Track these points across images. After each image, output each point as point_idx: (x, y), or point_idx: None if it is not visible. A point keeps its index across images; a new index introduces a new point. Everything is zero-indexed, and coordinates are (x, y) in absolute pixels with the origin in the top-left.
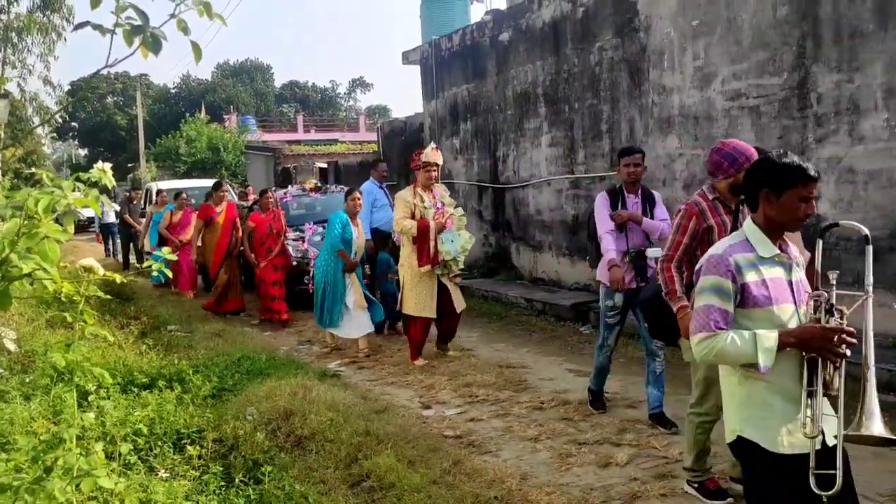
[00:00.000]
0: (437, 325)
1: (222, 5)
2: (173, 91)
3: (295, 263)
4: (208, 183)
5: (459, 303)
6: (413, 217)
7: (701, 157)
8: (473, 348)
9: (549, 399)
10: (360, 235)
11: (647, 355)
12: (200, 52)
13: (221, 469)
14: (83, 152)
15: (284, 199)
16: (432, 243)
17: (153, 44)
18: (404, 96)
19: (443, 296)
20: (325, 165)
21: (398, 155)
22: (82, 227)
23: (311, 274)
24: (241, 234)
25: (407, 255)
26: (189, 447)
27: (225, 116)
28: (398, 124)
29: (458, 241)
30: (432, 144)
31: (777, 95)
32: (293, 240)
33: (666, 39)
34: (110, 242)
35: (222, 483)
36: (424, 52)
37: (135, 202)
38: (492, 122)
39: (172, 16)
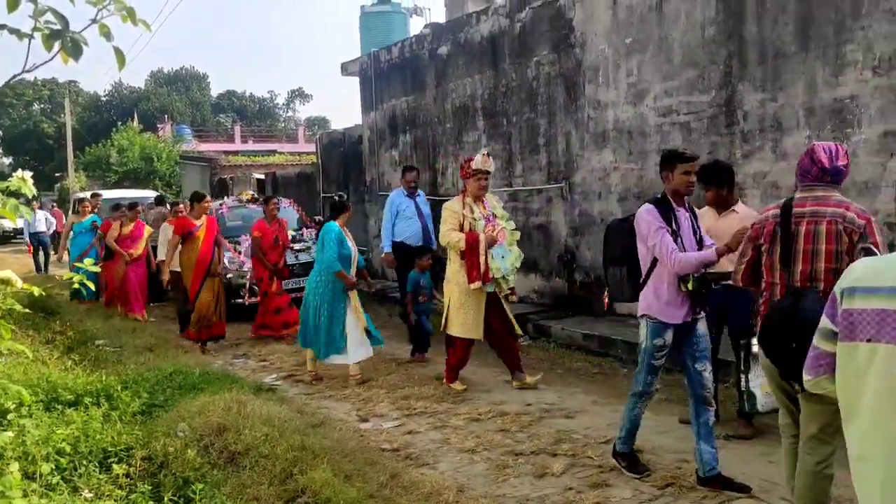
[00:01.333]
0: (498, 354)
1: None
2: (104, 99)
3: (230, 276)
4: (141, 194)
5: (514, 323)
6: (461, 229)
7: (635, 171)
8: (412, 361)
9: (486, 411)
10: (354, 245)
11: (695, 403)
12: (124, 58)
13: (150, 488)
14: (7, 161)
15: (220, 211)
16: (482, 258)
17: (73, 49)
18: (344, 108)
19: (491, 317)
20: (262, 176)
21: (336, 166)
22: (7, 237)
23: (248, 286)
24: (222, 251)
25: (455, 270)
26: (116, 466)
27: (159, 125)
28: (337, 136)
29: (509, 258)
30: (483, 151)
31: (706, 112)
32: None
33: (601, 56)
34: (40, 254)
35: (151, 502)
36: (363, 64)
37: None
38: (431, 135)
39: (94, 21)
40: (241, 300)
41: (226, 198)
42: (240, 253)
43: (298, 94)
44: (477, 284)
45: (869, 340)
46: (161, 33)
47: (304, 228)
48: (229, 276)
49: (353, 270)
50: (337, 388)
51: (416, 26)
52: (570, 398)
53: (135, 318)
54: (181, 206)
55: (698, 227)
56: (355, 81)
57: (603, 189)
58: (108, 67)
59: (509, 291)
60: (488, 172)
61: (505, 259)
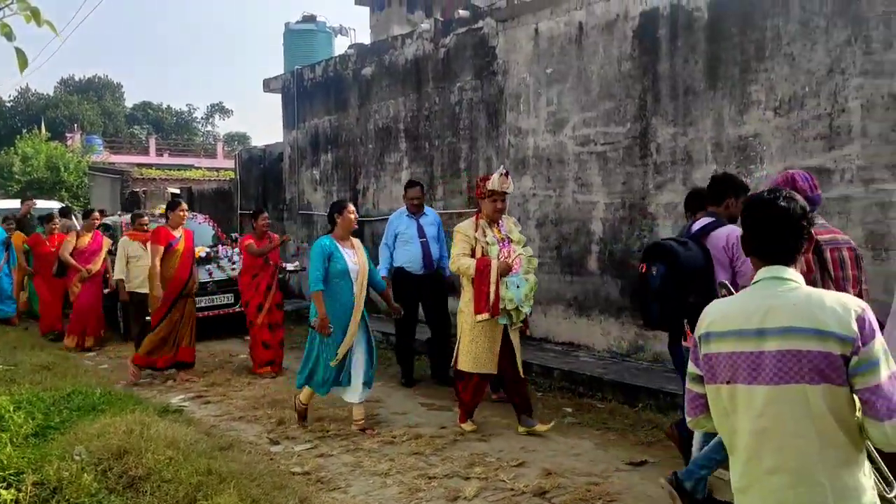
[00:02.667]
0: (506, 394)
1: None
2: (9, 105)
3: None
4: (46, 205)
5: (521, 361)
6: (474, 255)
7: (553, 199)
8: None
9: (401, 433)
10: (360, 260)
11: None
12: (26, 60)
13: None
14: None
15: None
16: (492, 287)
17: None
18: (266, 124)
19: (505, 353)
20: (177, 191)
21: (255, 183)
22: None
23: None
24: (195, 269)
25: (467, 300)
26: (4, 491)
27: (68, 135)
28: (257, 152)
29: (524, 288)
30: (501, 170)
31: (622, 143)
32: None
33: (522, 84)
34: None
35: None
36: (286, 81)
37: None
38: (353, 155)
39: None
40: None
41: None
42: None
43: (218, 109)
44: (483, 316)
45: (728, 382)
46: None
47: (220, 245)
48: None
49: (359, 289)
50: (248, 410)
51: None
52: (485, 421)
53: (77, 348)
54: (144, 218)
55: None
56: (278, 98)
57: (522, 214)
58: (14, 72)
59: (521, 324)
60: (505, 193)
61: (520, 289)
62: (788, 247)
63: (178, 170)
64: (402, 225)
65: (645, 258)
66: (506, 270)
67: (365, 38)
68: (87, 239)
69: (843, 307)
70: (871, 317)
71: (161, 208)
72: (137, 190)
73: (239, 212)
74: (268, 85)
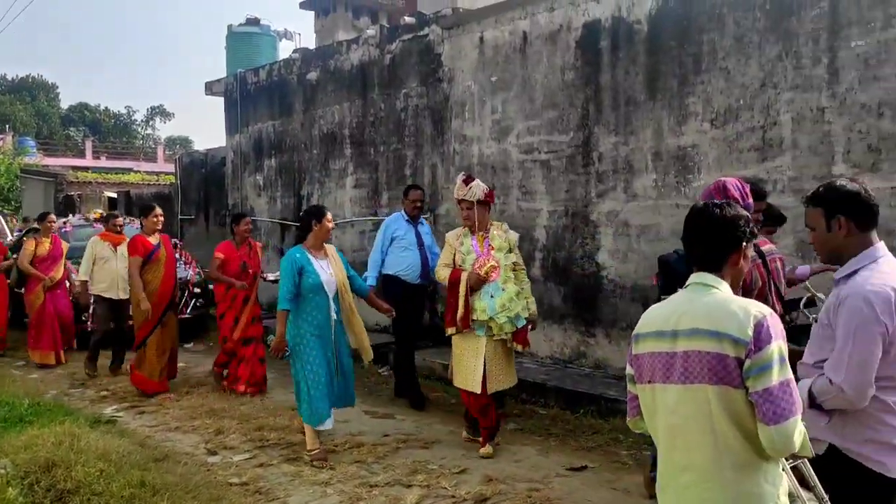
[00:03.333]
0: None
1: None
2: None
3: (74, 299)
4: None
5: (497, 381)
6: (455, 264)
7: (497, 206)
8: (269, 390)
9: (342, 442)
10: (337, 270)
11: None
12: None
13: None
14: None
15: (64, 230)
16: (461, 300)
17: None
18: (208, 128)
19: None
20: (114, 195)
21: (196, 188)
22: None
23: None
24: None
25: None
26: None
27: None
28: (198, 157)
29: (500, 297)
30: (461, 176)
31: (565, 152)
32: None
33: (467, 92)
34: None
35: None
36: (229, 85)
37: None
38: (297, 160)
39: None
40: (83, 324)
41: (71, 216)
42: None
43: (159, 112)
44: (451, 330)
45: (649, 381)
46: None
47: None
48: (73, 298)
49: (343, 305)
50: (185, 420)
51: (284, 50)
52: (428, 428)
53: (43, 363)
54: (119, 218)
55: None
56: (221, 101)
57: None
58: None
59: (506, 336)
60: (470, 201)
61: (494, 298)
62: (715, 254)
63: (116, 173)
64: (400, 230)
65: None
66: (477, 281)
67: (310, 42)
68: (46, 245)
69: (745, 312)
70: (772, 323)
71: (96, 213)
72: (72, 194)
73: (179, 217)
74: (210, 88)
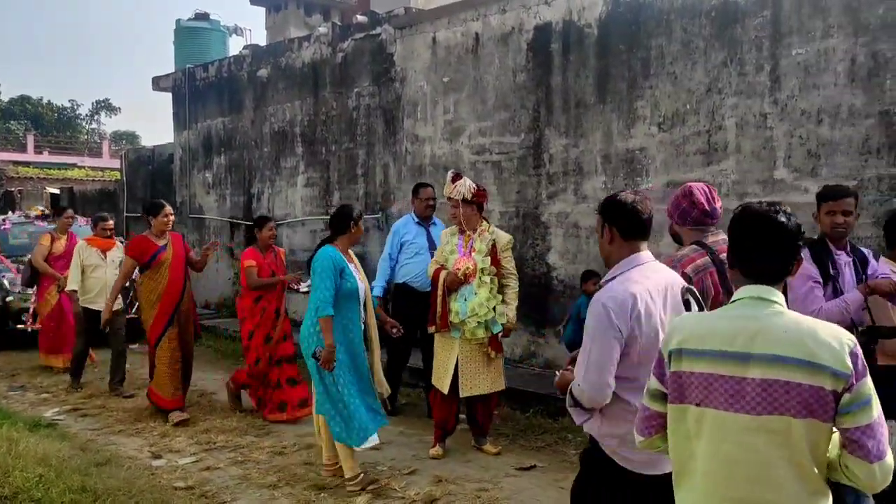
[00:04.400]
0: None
1: None
2: None
3: (9, 299)
4: None
5: (473, 384)
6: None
7: (448, 206)
8: (215, 392)
9: (291, 444)
10: (363, 277)
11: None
12: None
13: None
14: None
15: (2, 227)
16: (438, 299)
17: None
18: (156, 124)
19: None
20: (57, 191)
21: (143, 185)
22: None
23: (32, 311)
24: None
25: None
26: None
27: None
28: (145, 153)
29: (473, 300)
30: (451, 173)
31: (516, 153)
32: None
33: (420, 92)
34: None
35: None
36: (177, 80)
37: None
38: (247, 158)
39: None
40: (22, 325)
41: (10, 213)
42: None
43: (105, 106)
44: (431, 329)
45: (698, 404)
46: None
47: None
48: (9, 298)
49: (369, 315)
50: (129, 423)
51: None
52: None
53: (65, 367)
54: (111, 221)
55: (866, 274)
56: (168, 97)
57: None
58: None
59: (482, 339)
60: (456, 200)
61: (468, 301)
62: (780, 266)
63: (59, 168)
64: (409, 234)
65: None
66: (453, 282)
67: (261, 39)
68: (62, 242)
69: (838, 341)
70: (860, 352)
71: (38, 209)
72: (12, 189)
73: (125, 214)
74: (158, 83)
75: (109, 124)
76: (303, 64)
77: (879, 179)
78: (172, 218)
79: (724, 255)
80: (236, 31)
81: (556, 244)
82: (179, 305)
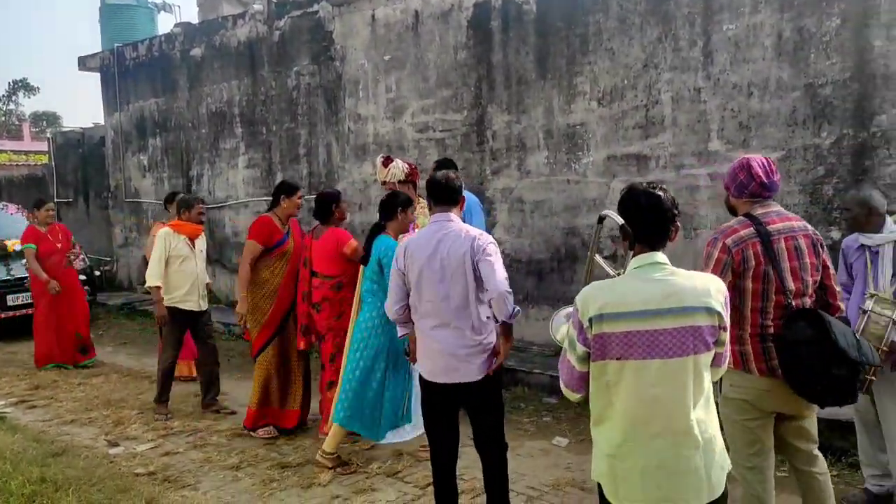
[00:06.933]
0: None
1: None
2: None
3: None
4: None
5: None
6: None
7: (384, 191)
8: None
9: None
10: None
11: None
12: None
13: None
14: None
15: None
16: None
17: None
18: (81, 104)
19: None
20: None
21: (74, 170)
22: None
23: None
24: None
25: None
26: None
27: None
28: (74, 136)
29: None
30: (380, 157)
31: (459, 130)
32: None
33: (361, 70)
34: None
35: None
36: (105, 60)
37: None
38: (184, 140)
39: None
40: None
41: None
42: None
43: (23, 86)
44: None
45: (619, 358)
46: None
47: None
48: None
49: None
50: (80, 412)
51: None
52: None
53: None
54: (199, 205)
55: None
56: (95, 77)
57: (363, 200)
58: None
59: None
60: (394, 182)
61: None
62: (664, 233)
63: None
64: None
65: None
66: None
67: (192, 16)
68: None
69: (717, 288)
70: (727, 293)
71: None
72: None
73: (55, 200)
74: (84, 63)
75: (28, 105)
76: (238, 42)
77: (805, 149)
78: (300, 202)
79: (772, 227)
80: (164, 7)
81: (501, 219)
82: (291, 308)
